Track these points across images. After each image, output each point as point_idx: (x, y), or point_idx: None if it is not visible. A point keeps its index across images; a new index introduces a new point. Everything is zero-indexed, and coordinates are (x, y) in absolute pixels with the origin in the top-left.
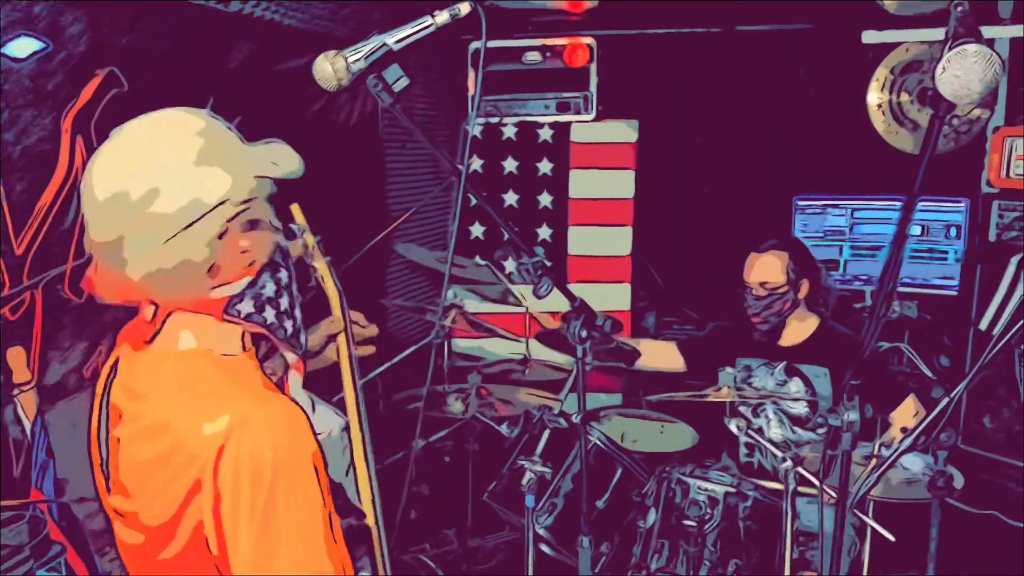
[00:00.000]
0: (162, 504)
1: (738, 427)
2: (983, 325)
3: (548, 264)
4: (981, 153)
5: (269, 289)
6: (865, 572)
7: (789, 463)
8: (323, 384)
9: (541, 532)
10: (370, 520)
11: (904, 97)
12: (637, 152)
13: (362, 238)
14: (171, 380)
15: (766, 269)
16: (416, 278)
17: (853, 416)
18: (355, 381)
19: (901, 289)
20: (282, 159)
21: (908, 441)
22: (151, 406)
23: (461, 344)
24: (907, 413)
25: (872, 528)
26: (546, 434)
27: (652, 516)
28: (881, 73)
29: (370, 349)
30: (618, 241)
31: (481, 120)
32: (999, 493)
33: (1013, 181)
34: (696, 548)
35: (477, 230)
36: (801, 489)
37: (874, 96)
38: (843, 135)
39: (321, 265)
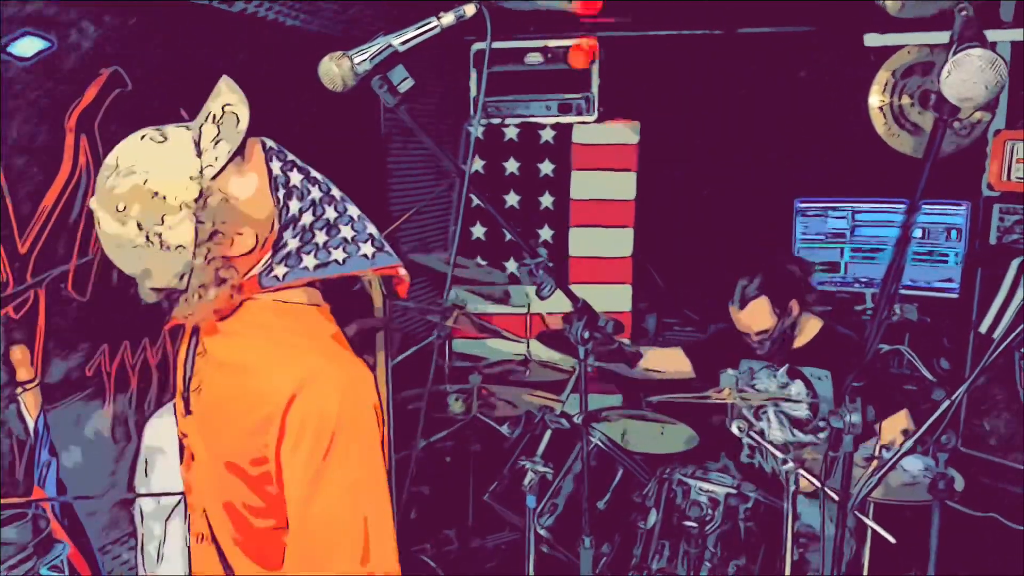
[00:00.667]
0: (230, 436)
1: (740, 429)
2: (983, 328)
3: (550, 265)
4: (982, 156)
5: (293, 243)
6: (865, 574)
7: (791, 464)
8: None
9: (542, 532)
10: None
11: (905, 100)
12: (639, 154)
13: None
14: (254, 325)
15: (753, 321)
16: (418, 278)
17: (855, 418)
18: (388, 376)
19: (902, 292)
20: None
21: (909, 444)
22: (234, 345)
23: (462, 344)
24: (897, 425)
25: (872, 530)
26: (547, 435)
27: (653, 517)
28: (883, 76)
29: None
30: (619, 242)
31: (483, 121)
32: (999, 496)
33: (1014, 184)
34: (697, 549)
35: (479, 231)
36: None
37: (875, 98)
38: (844, 137)
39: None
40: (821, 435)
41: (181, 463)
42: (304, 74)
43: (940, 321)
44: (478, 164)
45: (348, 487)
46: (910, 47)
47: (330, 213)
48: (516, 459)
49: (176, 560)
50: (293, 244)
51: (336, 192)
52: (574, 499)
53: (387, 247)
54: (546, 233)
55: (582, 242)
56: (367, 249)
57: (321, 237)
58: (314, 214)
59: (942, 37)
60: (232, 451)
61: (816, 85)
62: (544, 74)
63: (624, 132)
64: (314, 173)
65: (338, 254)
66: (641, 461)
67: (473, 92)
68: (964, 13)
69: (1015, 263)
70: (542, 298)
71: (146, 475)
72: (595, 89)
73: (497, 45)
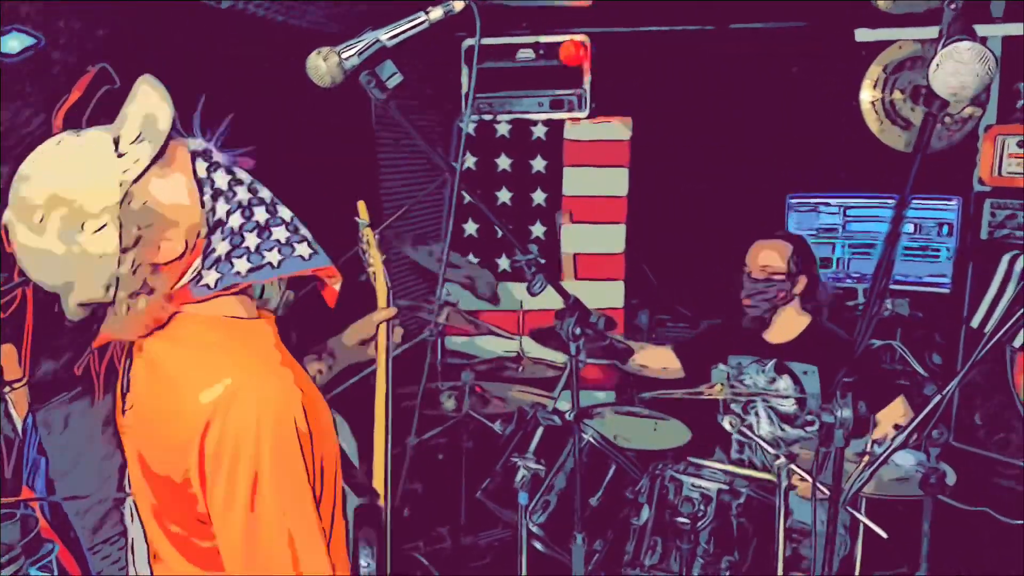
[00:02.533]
0: (161, 456)
1: (731, 424)
2: (975, 323)
3: (542, 262)
4: (973, 151)
5: (223, 248)
6: (857, 570)
7: (783, 460)
8: None
9: (534, 530)
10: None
11: (897, 95)
12: (631, 150)
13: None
14: (183, 340)
15: (769, 253)
16: (410, 275)
17: (846, 413)
18: (388, 369)
19: (893, 287)
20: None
21: (901, 438)
22: (162, 362)
23: (455, 341)
24: (895, 414)
25: (864, 525)
26: (539, 432)
27: (646, 513)
28: (874, 71)
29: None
30: (612, 239)
31: (475, 118)
32: (990, 490)
33: (1005, 179)
34: (689, 545)
35: (471, 227)
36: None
37: (867, 94)
38: (836, 133)
39: (376, 261)
40: (809, 429)
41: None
42: (293, 70)
43: (932, 316)
44: (470, 161)
45: (270, 507)
46: (901, 42)
47: (260, 215)
48: (508, 456)
49: None
50: (222, 248)
51: (265, 193)
52: (566, 496)
53: (322, 251)
54: (538, 229)
55: (575, 239)
56: (303, 250)
57: (252, 240)
58: (243, 216)
59: (933, 32)
60: (163, 468)
61: (808, 81)
62: (536, 70)
63: (616, 128)
64: (241, 174)
65: (272, 256)
66: (634, 458)
67: (464, 88)
68: (953, 7)
69: (1006, 258)
70: (533, 294)
71: None
72: (587, 85)
73: (488, 41)
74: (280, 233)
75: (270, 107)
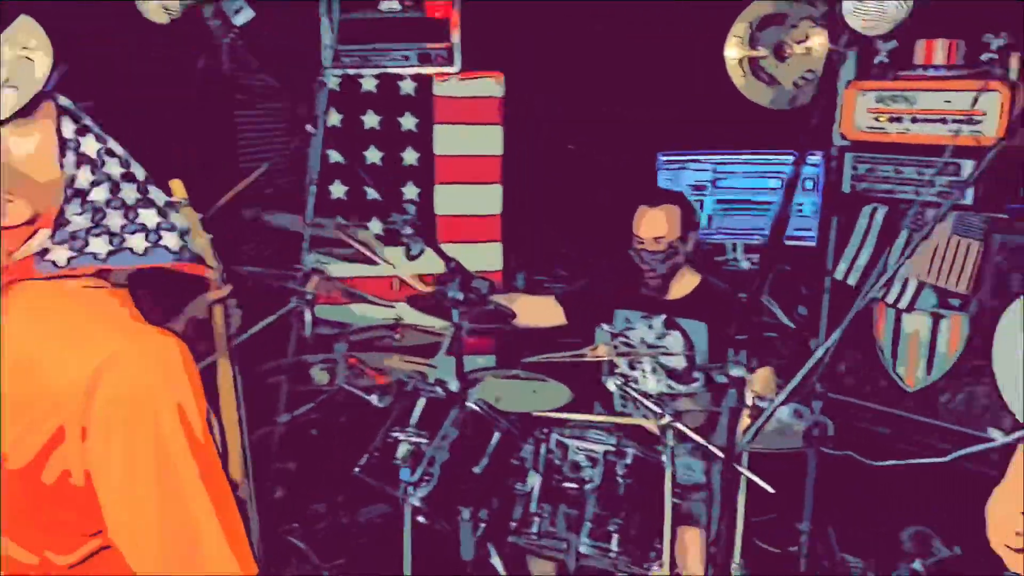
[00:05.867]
0: (21, 450)
1: (616, 386)
2: (838, 274)
3: (419, 224)
4: (833, 107)
5: (79, 222)
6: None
7: (669, 419)
8: None
9: (417, 504)
10: (243, 490)
11: (762, 51)
12: (504, 107)
13: (210, 198)
14: (31, 311)
15: (660, 222)
16: (273, 241)
17: (740, 372)
18: (231, 349)
19: (763, 243)
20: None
21: (787, 392)
22: (18, 338)
23: (325, 311)
24: (760, 379)
25: (747, 478)
26: (421, 403)
27: (532, 479)
28: (739, 27)
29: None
30: (487, 199)
31: (338, 71)
32: (855, 435)
33: (865, 134)
34: (577, 510)
35: (338, 190)
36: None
37: (733, 51)
38: (705, 90)
39: (202, 242)
40: (694, 385)
41: None
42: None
43: (798, 269)
44: (335, 118)
45: (178, 471)
46: None
47: (129, 194)
48: (388, 430)
49: None
50: (79, 223)
51: (139, 172)
52: (449, 467)
53: (194, 247)
54: (411, 191)
55: (449, 200)
56: (171, 241)
57: (116, 220)
58: (110, 191)
59: None
60: (23, 460)
61: (676, 38)
62: (402, 22)
63: (488, 85)
64: (114, 146)
65: (136, 242)
66: (517, 422)
67: (326, 41)
68: None
69: (866, 210)
70: (411, 259)
71: None
72: (456, 39)
73: None
74: (149, 218)
75: (107, 58)
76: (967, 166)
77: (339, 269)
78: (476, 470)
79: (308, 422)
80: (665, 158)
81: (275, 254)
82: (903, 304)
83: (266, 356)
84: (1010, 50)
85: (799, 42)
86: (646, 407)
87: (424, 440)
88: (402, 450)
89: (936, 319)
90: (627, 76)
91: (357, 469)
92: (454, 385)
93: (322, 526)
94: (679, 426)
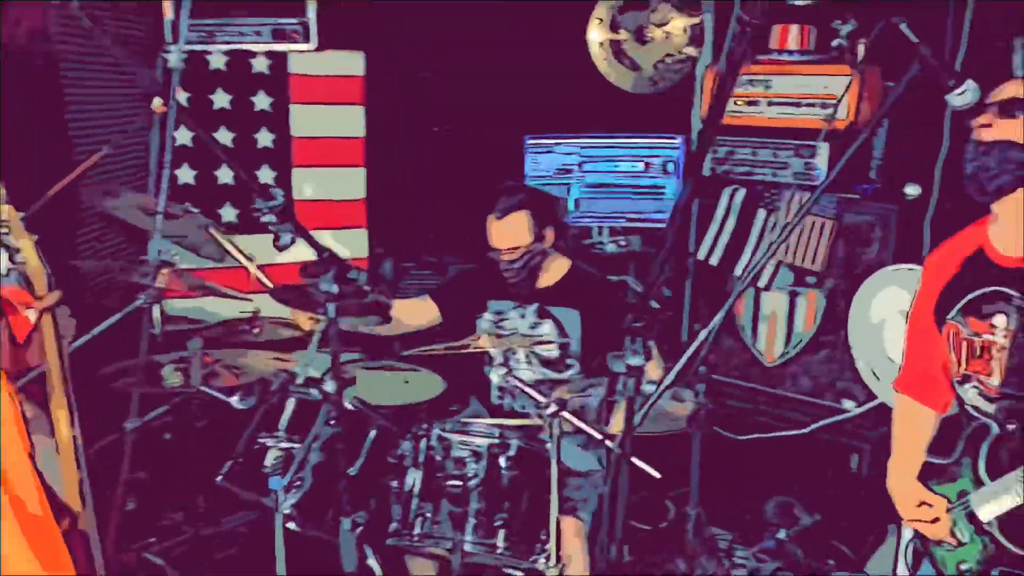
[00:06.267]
0: None
1: (499, 377)
2: (701, 255)
3: (288, 210)
4: (691, 91)
5: None
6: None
7: (553, 408)
8: None
9: (288, 512)
10: (84, 522)
11: (623, 35)
12: (365, 86)
13: (42, 186)
14: None
15: (511, 233)
16: (114, 233)
17: (637, 360)
18: (63, 357)
19: (627, 224)
20: None
21: (672, 376)
22: None
23: (176, 306)
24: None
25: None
26: (290, 404)
27: (412, 477)
28: (601, 10)
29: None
30: (350, 183)
31: (182, 48)
32: (719, 411)
33: (725, 117)
34: (461, 507)
35: (186, 174)
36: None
37: (595, 34)
38: (570, 74)
39: (26, 243)
40: (569, 373)
41: None
42: None
43: (660, 250)
44: (181, 97)
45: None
46: None
47: None
48: (253, 433)
49: None
50: None
51: None
52: (322, 470)
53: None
54: (267, 175)
55: (308, 184)
56: None
57: None
58: None
59: None
60: None
61: (541, 20)
62: None
63: (348, 62)
64: None
65: None
66: (393, 417)
67: (169, 15)
68: None
69: (726, 192)
70: (280, 248)
71: None
72: (312, 14)
73: None
74: None
75: None
76: (822, 149)
77: (190, 260)
78: (351, 472)
79: (161, 427)
80: (532, 141)
81: (117, 246)
82: (762, 283)
83: (112, 358)
84: (858, 36)
85: (659, 26)
86: (531, 397)
87: (296, 445)
88: (271, 457)
89: (793, 296)
90: (495, 55)
91: (220, 477)
92: (330, 385)
93: (181, 539)
94: (566, 415)
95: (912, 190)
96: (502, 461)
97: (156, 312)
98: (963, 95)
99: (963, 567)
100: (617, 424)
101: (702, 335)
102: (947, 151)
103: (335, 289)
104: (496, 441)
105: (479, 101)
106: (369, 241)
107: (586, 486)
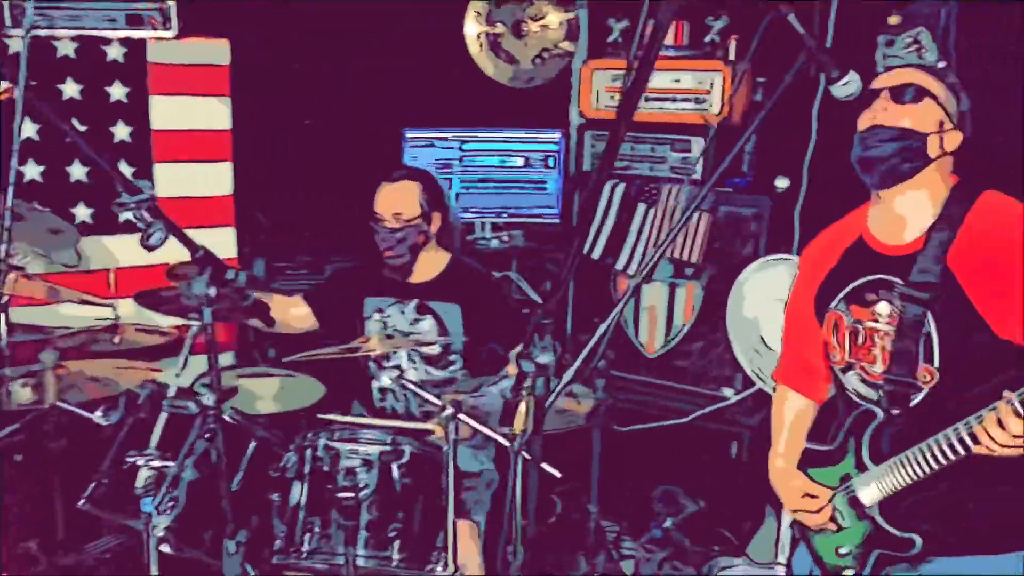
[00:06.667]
0: None
1: (391, 378)
2: (584, 250)
3: (157, 206)
4: (568, 86)
5: None
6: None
7: (450, 410)
8: None
9: (162, 535)
10: None
11: (500, 28)
12: (231, 76)
13: None
14: None
15: (399, 199)
16: None
17: (546, 358)
18: None
19: (508, 219)
20: None
21: (571, 372)
22: None
23: (26, 314)
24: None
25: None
26: (162, 418)
27: (298, 491)
28: (477, 3)
29: None
30: (216, 179)
31: (23, 33)
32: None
33: (603, 112)
34: (352, 520)
35: (32, 170)
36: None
37: (472, 27)
38: (449, 66)
39: None
40: (452, 369)
41: None
42: None
43: (543, 245)
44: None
45: None
46: None
47: None
48: (119, 451)
49: None
50: None
51: None
52: (199, 488)
53: None
54: (125, 171)
55: (171, 180)
56: None
57: None
58: None
59: None
60: None
61: (419, 9)
62: None
63: (212, 50)
64: None
65: None
66: (273, 427)
67: None
68: None
69: (607, 186)
70: (149, 248)
71: None
72: None
73: None
74: None
75: None
76: (697, 143)
77: (40, 264)
78: (232, 487)
79: (11, 447)
80: (411, 135)
81: None
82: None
83: None
84: (730, 32)
85: (535, 20)
86: (426, 400)
87: (169, 464)
88: (142, 477)
89: (672, 288)
90: (372, 45)
91: (83, 501)
92: (208, 398)
93: (38, 569)
94: (463, 418)
95: (782, 183)
96: (395, 468)
97: (1, 322)
98: (847, 86)
99: (842, 551)
100: (519, 424)
101: (601, 329)
102: (815, 145)
103: (212, 292)
104: (388, 448)
105: (354, 93)
106: (238, 240)
107: (479, 487)
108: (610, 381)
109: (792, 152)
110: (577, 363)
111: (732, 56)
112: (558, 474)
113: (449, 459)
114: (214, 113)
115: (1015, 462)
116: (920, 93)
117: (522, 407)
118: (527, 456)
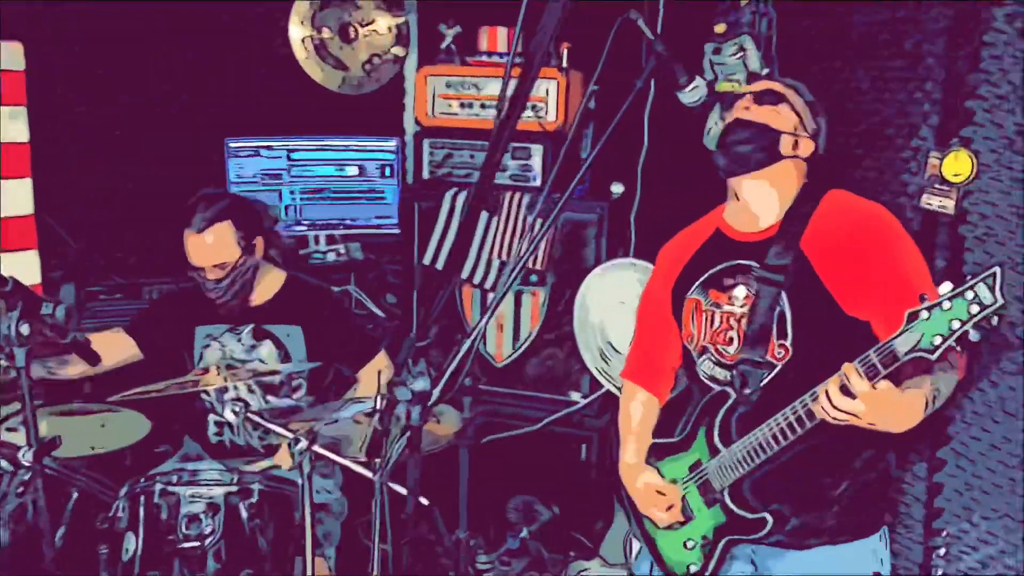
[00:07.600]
0: None
1: (235, 413)
2: (426, 260)
3: None
4: (401, 93)
5: None
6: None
7: (304, 443)
8: None
9: None
10: None
11: (326, 33)
12: (27, 83)
13: None
14: None
15: (213, 250)
16: None
17: (421, 385)
18: None
19: (346, 232)
20: None
21: (438, 390)
22: None
23: None
24: (376, 366)
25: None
26: None
27: (131, 543)
28: (302, 7)
29: None
30: (16, 197)
31: None
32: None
33: (440, 119)
34: (197, 570)
35: None
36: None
37: (296, 31)
38: (275, 72)
39: None
40: (296, 396)
41: None
42: None
43: (383, 257)
44: None
45: None
46: None
47: None
48: None
49: None
50: None
51: None
52: (14, 549)
53: None
54: None
55: None
56: None
57: None
58: None
59: None
60: None
61: (241, 10)
62: None
63: (3, 55)
64: None
65: None
66: (95, 473)
67: None
68: None
69: (448, 195)
70: None
71: None
72: None
73: None
74: None
75: None
76: (536, 151)
77: None
78: (56, 541)
79: None
80: (234, 144)
81: None
82: (488, 284)
83: None
84: (560, 40)
85: (363, 24)
86: (277, 433)
87: None
88: None
89: (518, 296)
90: (190, 50)
91: None
92: (26, 455)
93: None
94: (318, 449)
95: (617, 188)
96: (243, 509)
97: None
98: (694, 91)
99: (689, 544)
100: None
101: (465, 345)
102: (647, 150)
103: (24, 330)
104: (234, 488)
105: (171, 99)
106: (42, 264)
107: (327, 520)
108: (476, 397)
109: (625, 158)
110: (443, 382)
111: (565, 64)
112: (426, 502)
113: (305, 493)
114: (9, 124)
115: (866, 442)
116: (779, 98)
117: (393, 434)
118: (398, 489)
